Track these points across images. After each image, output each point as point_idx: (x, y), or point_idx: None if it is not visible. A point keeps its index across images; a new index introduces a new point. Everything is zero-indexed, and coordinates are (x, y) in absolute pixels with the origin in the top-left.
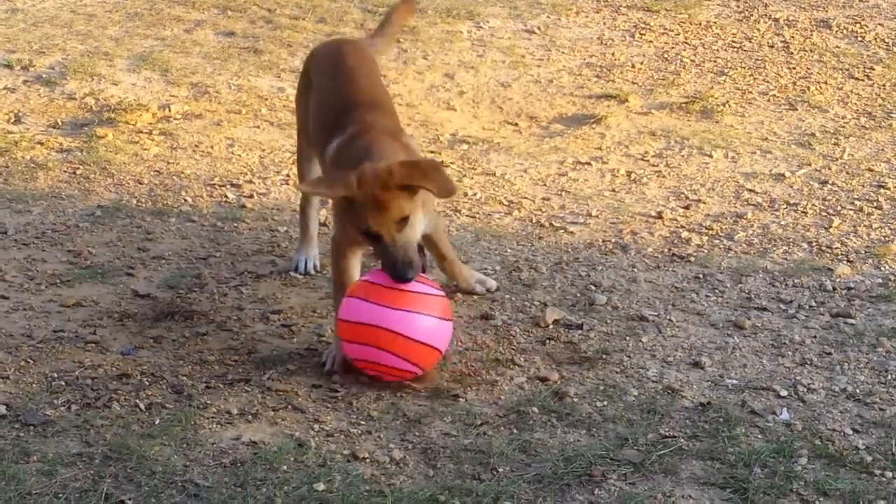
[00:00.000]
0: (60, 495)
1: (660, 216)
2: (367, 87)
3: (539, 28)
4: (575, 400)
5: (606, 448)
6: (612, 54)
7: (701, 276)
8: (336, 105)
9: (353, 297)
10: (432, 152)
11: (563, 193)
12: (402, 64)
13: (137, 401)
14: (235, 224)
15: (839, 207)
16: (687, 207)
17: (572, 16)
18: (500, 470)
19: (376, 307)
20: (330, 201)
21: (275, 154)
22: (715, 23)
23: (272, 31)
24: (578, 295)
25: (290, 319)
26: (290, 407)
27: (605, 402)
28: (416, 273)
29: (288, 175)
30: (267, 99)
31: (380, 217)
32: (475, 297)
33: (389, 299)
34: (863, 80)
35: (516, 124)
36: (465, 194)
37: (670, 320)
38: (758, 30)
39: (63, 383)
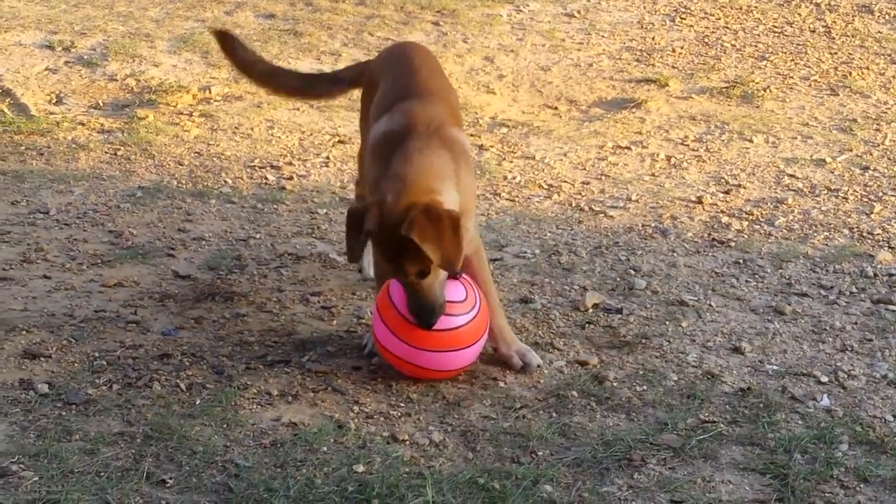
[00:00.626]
0: (102, 474)
1: (700, 201)
2: (425, 80)
3: (579, 12)
4: (614, 384)
5: (646, 432)
6: (653, 38)
7: (741, 261)
8: (390, 97)
9: (383, 325)
10: (472, 135)
11: (603, 177)
12: (442, 47)
13: (178, 381)
14: (275, 206)
15: (880, 193)
16: (727, 192)
17: (612, 0)
18: (540, 453)
19: (406, 346)
20: None
21: (314, 136)
22: (756, 7)
23: (312, 13)
24: (618, 279)
25: (329, 301)
26: (329, 388)
27: (645, 387)
28: (438, 317)
29: (328, 158)
30: None
31: (397, 261)
32: (512, 281)
33: (417, 340)
34: None
35: (556, 108)
36: (505, 178)
37: (710, 305)
38: (799, 14)
39: (104, 363)
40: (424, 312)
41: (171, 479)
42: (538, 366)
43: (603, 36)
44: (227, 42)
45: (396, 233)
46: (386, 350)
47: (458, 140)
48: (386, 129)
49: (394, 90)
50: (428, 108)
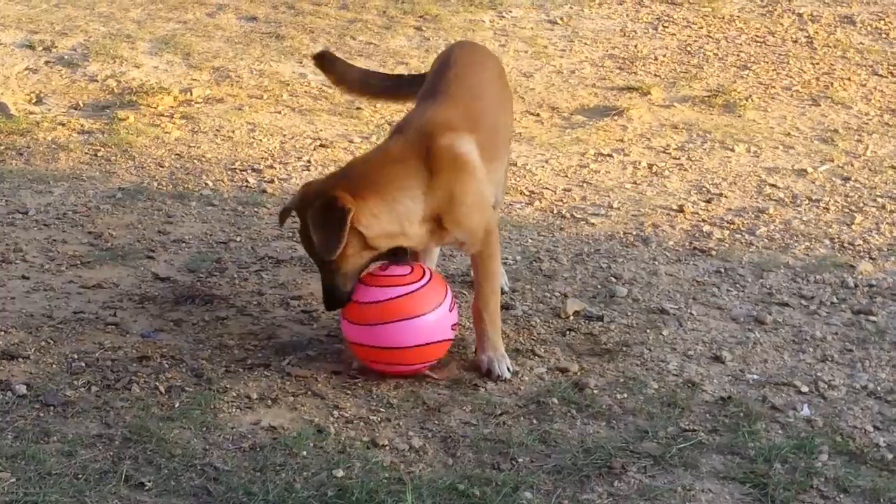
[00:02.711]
0: (80, 476)
1: (681, 209)
2: (450, 82)
3: (562, 19)
4: (595, 392)
5: (626, 440)
6: (635, 46)
7: (722, 270)
8: (419, 98)
9: (342, 317)
10: None
11: (585, 185)
12: (425, 52)
13: (157, 383)
14: (256, 209)
15: (861, 204)
16: (708, 201)
17: (595, 7)
18: (520, 460)
19: (361, 327)
20: None
21: (296, 140)
22: (738, 17)
23: (294, 16)
24: (599, 287)
25: (310, 305)
26: (309, 393)
27: (625, 395)
28: (340, 300)
29: (309, 161)
30: (289, 84)
31: (308, 244)
32: None
33: (367, 316)
34: (886, 77)
35: (538, 115)
36: None
37: (691, 314)
38: (781, 24)
39: (83, 364)
40: (325, 293)
41: (149, 481)
42: (499, 376)
43: (585, 43)
44: (327, 63)
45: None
46: (348, 341)
47: (448, 149)
48: (392, 133)
49: (423, 90)
50: (430, 112)
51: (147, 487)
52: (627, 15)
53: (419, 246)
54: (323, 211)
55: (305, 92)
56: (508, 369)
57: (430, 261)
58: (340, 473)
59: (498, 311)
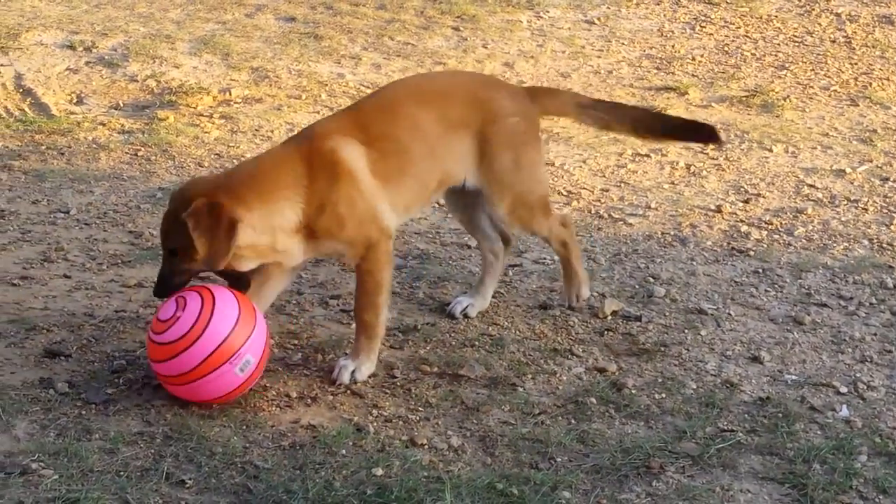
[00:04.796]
0: (122, 473)
1: (719, 210)
2: (369, 95)
3: (599, 19)
4: (633, 391)
5: (665, 440)
6: (673, 46)
7: (760, 270)
8: None
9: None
10: None
11: (622, 185)
12: (462, 52)
13: None
14: None
15: None
16: (746, 201)
17: (632, 7)
18: (558, 459)
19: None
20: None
21: None
22: (776, 17)
23: (332, 17)
24: (637, 287)
25: (348, 304)
26: (348, 392)
27: (664, 395)
28: (161, 294)
29: None
30: (327, 84)
31: (165, 236)
32: (531, 287)
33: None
34: None
35: None
36: None
37: (729, 314)
38: (819, 24)
39: (124, 363)
40: (159, 278)
41: (190, 479)
42: (334, 380)
43: (623, 43)
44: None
45: (179, 214)
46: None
47: (328, 153)
48: None
49: None
50: (325, 119)
51: (188, 485)
52: (665, 15)
53: (288, 263)
54: (209, 217)
55: (343, 92)
56: (354, 379)
57: (263, 300)
58: (380, 472)
59: (374, 324)
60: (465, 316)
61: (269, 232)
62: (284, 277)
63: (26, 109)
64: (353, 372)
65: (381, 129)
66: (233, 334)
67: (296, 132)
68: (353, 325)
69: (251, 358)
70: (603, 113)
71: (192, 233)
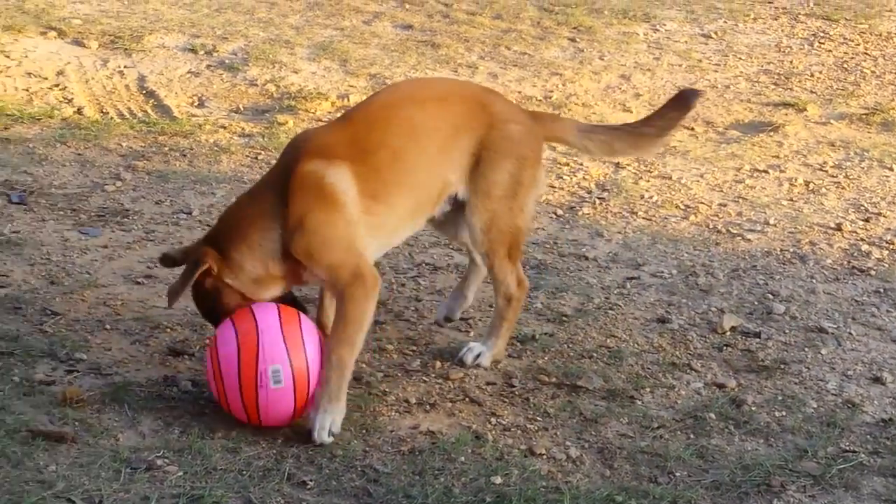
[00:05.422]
0: (244, 472)
1: (839, 228)
2: (359, 106)
3: (716, 33)
4: (752, 408)
5: (785, 459)
6: (791, 62)
7: (882, 290)
8: None
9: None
10: None
11: (740, 200)
12: (579, 64)
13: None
14: None
15: None
16: (867, 220)
17: (750, 22)
18: (678, 474)
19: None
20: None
21: None
22: None
23: (449, 25)
24: (756, 303)
25: (467, 313)
26: (467, 399)
27: (784, 413)
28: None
29: None
30: None
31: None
32: (649, 300)
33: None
34: None
35: (692, 129)
36: (642, 196)
37: (850, 333)
38: None
39: None
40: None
41: (311, 480)
42: (313, 440)
43: (740, 58)
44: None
45: None
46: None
47: (309, 176)
48: None
49: None
50: (308, 135)
51: (309, 486)
52: (783, 30)
53: (296, 283)
54: (189, 263)
55: None
56: (331, 432)
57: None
58: (498, 480)
59: (346, 363)
60: (448, 320)
61: (261, 266)
62: None
63: (149, 111)
64: (329, 428)
65: (374, 140)
66: (240, 355)
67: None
68: (464, 333)
69: (278, 367)
70: (603, 135)
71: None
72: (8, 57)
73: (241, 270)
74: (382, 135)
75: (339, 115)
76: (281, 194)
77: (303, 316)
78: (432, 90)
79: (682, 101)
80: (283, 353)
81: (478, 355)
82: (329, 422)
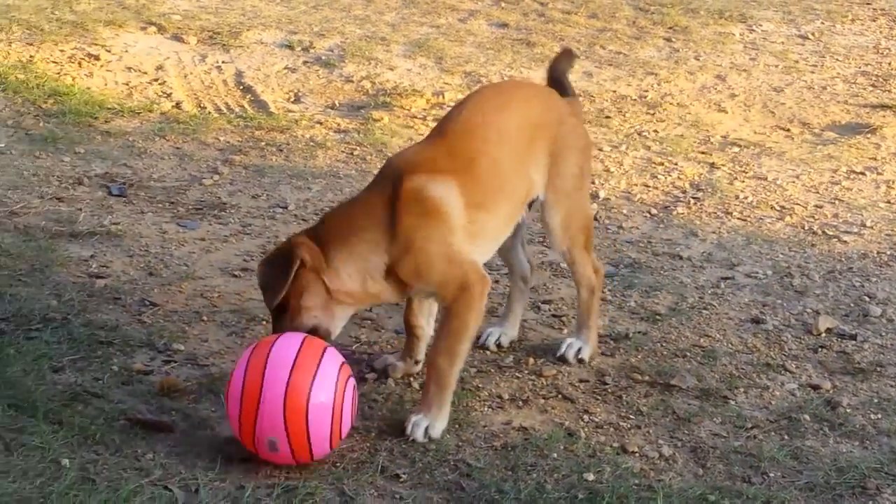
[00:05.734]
0: (338, 465)
1: None
2: (451, 118)
3: (813, 34)
4: (848, 410)
5: (881, 461)
6: (889, 64)
7: None
8: None
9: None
10: (703, 153)
11: (837, 202)
12: (674, 64)
13: (411, 379)
14: None
15: None
16: None
17: (847, 23)
18: (771, 475)
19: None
20: None
21: None
22: None
23: (544, 24)
24: (852, 305)
25: (559, 310)
26: (560, 396)
27: (880, 416)
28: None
29: None
30: None
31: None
32: (743, 300)
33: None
34: None
35: (788, 130)
36: (737, 197)
37: None
38: None
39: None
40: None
41: (404, 473)
42: (409, 436)
43: (837, 59)
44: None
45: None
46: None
47: (416, 193)
48: None
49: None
50: (410, 151)
51: (402, 479)
52: (881, 32)
53: (389, 300)
54: (275, 255)
55: None
56: (428, 435)
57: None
58: (591, 477)
59: (448, 372)
60: (499, 346)
61: (359, 280)
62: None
63: (246, 106)
64: (426, 429)
65: (472, 150)
66: (241, 416)
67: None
68: (558, 331)
69: (275, 439)
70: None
71: (258, 275)
72: (109, 52)
73: (337, 277)
74: (480, 143)
75: (433, 112)
76: (388, 211)
77: (323, 362)
78: (510, 94)
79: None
80: (281, 426)
81: (578, 350)
82: (426, 424)
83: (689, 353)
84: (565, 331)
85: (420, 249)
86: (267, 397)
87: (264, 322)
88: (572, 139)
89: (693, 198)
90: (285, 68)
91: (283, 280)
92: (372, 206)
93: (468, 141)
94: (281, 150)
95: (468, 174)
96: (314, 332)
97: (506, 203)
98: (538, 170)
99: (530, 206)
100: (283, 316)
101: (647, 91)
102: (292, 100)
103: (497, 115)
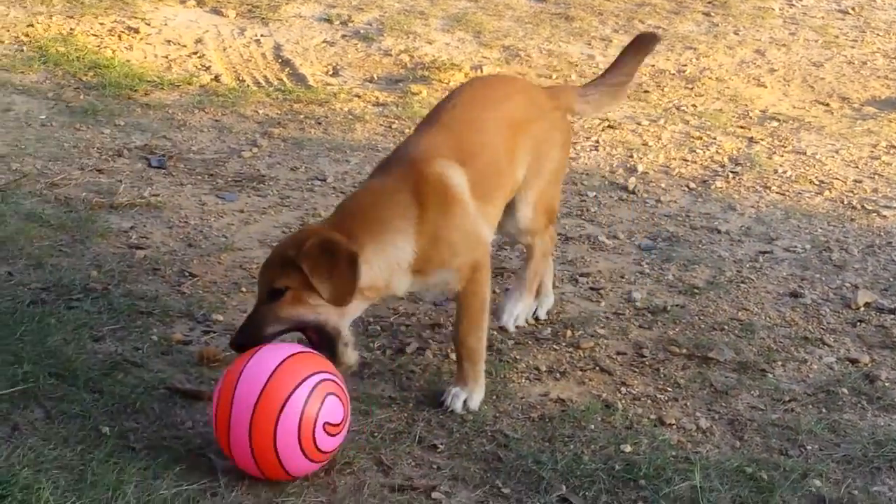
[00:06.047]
0: (376, 434)
1: None
2: (447, 111)
3: (853, 8)
4: (886, 384)
5: None
6: None
7: None
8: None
9: None
10: (741, 127)
11: (876, 177)
12: (713, 38)
13: (449, 350)
14: None
15: None
16: None
17: None
18: (809, 447)
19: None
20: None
21: (584, 120)
22: None
23: None
24: (891, 279)
25: (597, 283)
26: (597, 368)
27: None
28: (250, 348)
29: (597, 142)
30: (577, 65)
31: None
32: (782, 274)
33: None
34: None
35: (828, 104)
36: (776, 171)
37: None
38: None
39: (378, 328)
40: (244, 327)
41: (441, 444)
42: (447, 407)
43: (878, 34)
44: None
45: (287, 254)
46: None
47: (438, 179)
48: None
49: (420, 124)
50: (420, 139)
51: (440, 449)
52: None
53: (398, 294)
54: (327, 257)
55: (593, 73)
56: (467, 406)
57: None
58: (628, 449)
59: (478, 348)
60: (536, 319)
61: (386, 270)
62: None
63: (285, 79)
64: (465, 401)
65: (477, 142)
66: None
67: (381, 162)
68: (595, 304)
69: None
70: (594, 93)
71: (311, 276)
72: (148, 25)
73: (369, 271)
74: (481, 136)
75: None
76: (414, 199)
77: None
78: (500, 89)
79: (642, 44)
80: (248, 453)
81: (535, 310)
82: (465, 396)
83: (726, 327)
84: (602, 304)
85: (448, 239)
86: (235, 420)
87: None
88: (553, 134)
89: (731, 172)
90: (324, 42)
91: (351, 280)
92: (395, 196)
93: (471, 133)
94: (319, 123)
95: (473, 166)
96: (319, 329)
97: (502, 196)
98: (521, 164)
99: None
100: (275, 304)
101: (685, 66)
102: (331, 73)
103: (493, 111)
